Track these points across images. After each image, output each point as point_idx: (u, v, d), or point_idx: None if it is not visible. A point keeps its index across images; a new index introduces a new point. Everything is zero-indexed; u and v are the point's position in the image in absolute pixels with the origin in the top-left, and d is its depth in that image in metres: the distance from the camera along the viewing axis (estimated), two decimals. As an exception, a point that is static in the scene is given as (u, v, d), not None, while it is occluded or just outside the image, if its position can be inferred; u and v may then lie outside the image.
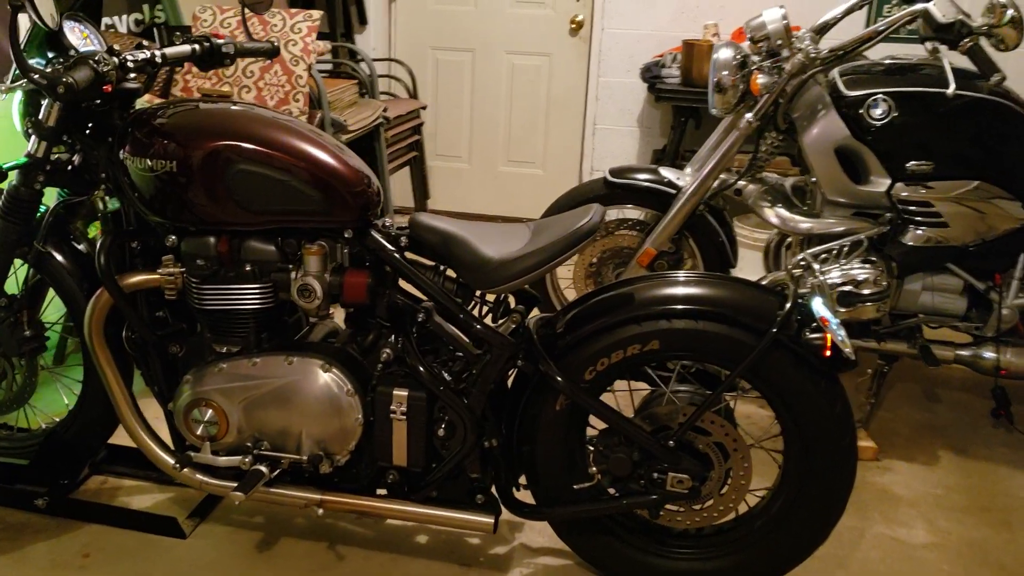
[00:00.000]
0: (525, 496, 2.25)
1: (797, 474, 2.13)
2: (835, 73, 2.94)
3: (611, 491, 2.21)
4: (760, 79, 2.92)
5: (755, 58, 2.99)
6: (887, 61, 2.99)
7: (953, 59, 2.71)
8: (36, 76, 1.97)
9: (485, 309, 2.25)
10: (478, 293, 2.19)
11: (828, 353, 1.97)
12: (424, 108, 5.00)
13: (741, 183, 3.17)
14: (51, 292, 2.42)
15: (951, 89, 2.63)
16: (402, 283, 2.18)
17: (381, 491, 2.25)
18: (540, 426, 2.18)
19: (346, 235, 2.11)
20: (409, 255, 2.18)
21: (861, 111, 2.80)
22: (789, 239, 3.20)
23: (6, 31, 1.98)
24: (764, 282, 3.19)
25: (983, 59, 2.69)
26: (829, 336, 1.97)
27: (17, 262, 2.34)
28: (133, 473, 2.63)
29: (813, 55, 2.84)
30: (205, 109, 2.11)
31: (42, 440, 2.52)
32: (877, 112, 2.79)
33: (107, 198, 2.15)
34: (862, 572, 2.41)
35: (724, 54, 2.99)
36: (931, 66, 2.85)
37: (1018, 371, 2.85)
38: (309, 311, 2.14)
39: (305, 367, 2.14)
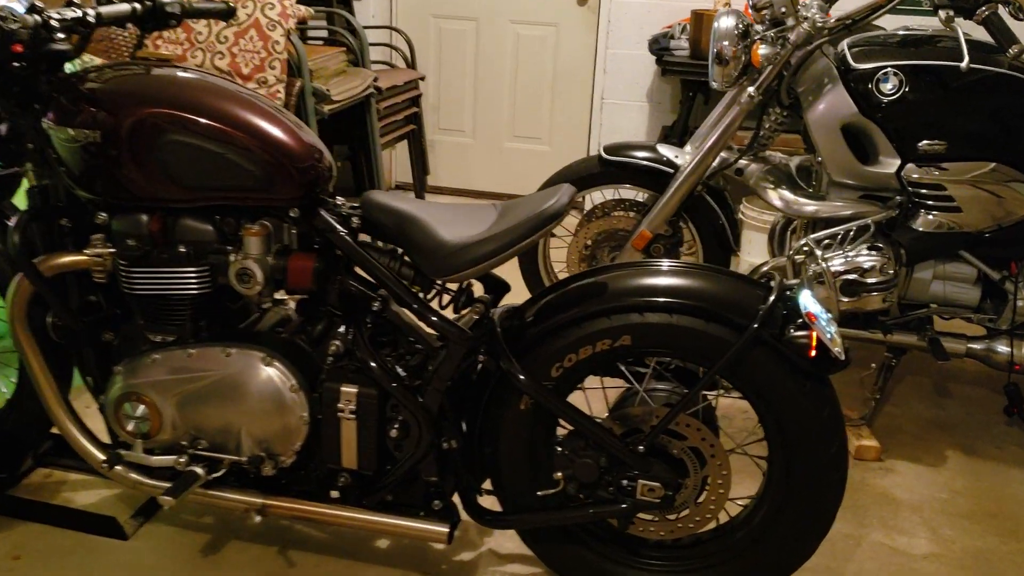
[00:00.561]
0: (492, 501, 2.07)
1: (781, 483, 1.94)
2: (844, 44, 2.75)
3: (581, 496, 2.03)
4: (761, 50, 2.73)
5: (758, 27, 2.83)
6: (901, 32, 2.79)
7: (970, 30, 2.51)
8: None
9: (448, 298, 2.07)
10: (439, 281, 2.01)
11: (814, 353, 1.77)
12: (422, 79, 4.80)
13: (742, 162, 3.00)
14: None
15: (965, 63, 2.45)
16: (359, 268, 2.00)
17: (337, 494, 2.08)
18: (504, 426, 2.00)
19: (292, 214, 1.94)
20: (365, 238, 2.00)
21: (870, 86, 2.62)
22: (794, 222, 3.01)
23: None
24: (765, 267, 3.03)
25: (1001, 29, 2.49)
26: (815, 334, 1.77)
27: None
28: (80, 467, 2.44)
29: (820, 24, 2.65)
30: (136, 73, 1.94)
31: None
32: (887, 87, 2.61)
33: (34, 171, 1.98)
34: (856, 586, 2.23)
35: (725, 23, 2.82)
36: (948, 38, 2.66)
37: (1034, 367, 2.66)
38: (250, 298, 1.97)
39: (244, 360, 1.97)
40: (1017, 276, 2.65)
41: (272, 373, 1.96)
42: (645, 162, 3.09)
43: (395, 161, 5.42)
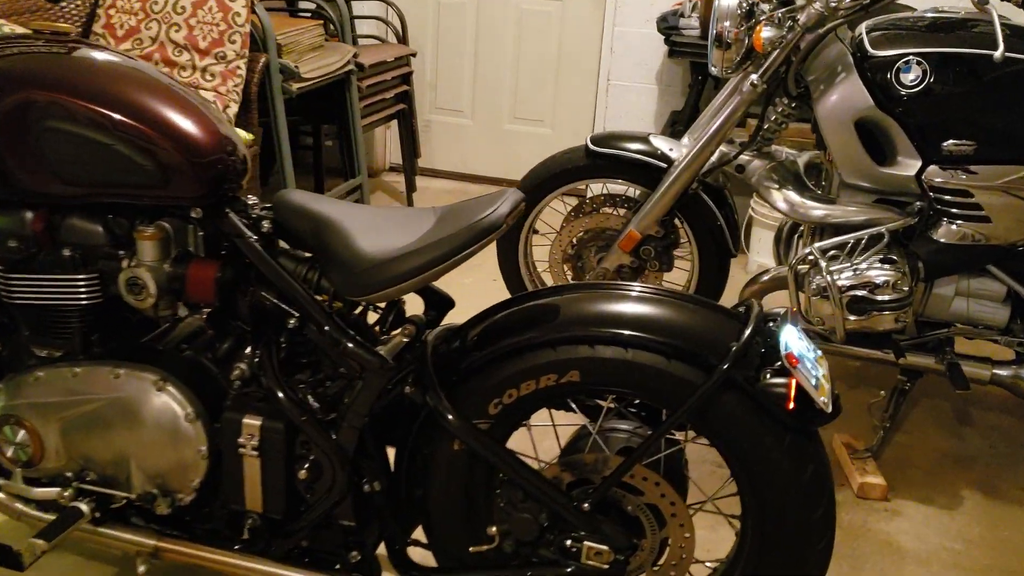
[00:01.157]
0: (425, 555, 1.79)
1: (756, 547, 1.64)
2: (862, 28, 2.45)
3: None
4: (764, 32, 2.43)
5: (764, 7, 2.54)
6: (928, 15, 2.47)
7: (1009, 13, 2.20)
8: None
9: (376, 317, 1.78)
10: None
11: (792, 405, 1.47)
12: (414, 55, 4.49)
13: (744, 157, 2.71)
14: None
15: (999, 52, 2.14)
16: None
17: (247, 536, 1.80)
18: (436, 468, 1.72)
19: (193, 215, 1.66)
20: (284, 244, 1.73)
21: (889, 76, 2.33)
22: (802, 225, 2.70)
23: None
24: (766, 277, 2.73)
25: (1043, 13, 2.16)
26: (795, 381, 1.46)
27: None
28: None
29: (833, 4, 2.36)
30: (17, 51, 1.66)
31: None
32: (909, 77, 2.32)
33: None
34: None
35: (727, 1, 2.51)
36: (981, 22, 2.34)
37: (1066, 399, 2.36)
38: (143, 311, 1.70)
39: (134, 383, 1.70)
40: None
41: (165, 399, 1.69)
42: (636, 155, 2.79)
43: (389, 142, 5.12)
